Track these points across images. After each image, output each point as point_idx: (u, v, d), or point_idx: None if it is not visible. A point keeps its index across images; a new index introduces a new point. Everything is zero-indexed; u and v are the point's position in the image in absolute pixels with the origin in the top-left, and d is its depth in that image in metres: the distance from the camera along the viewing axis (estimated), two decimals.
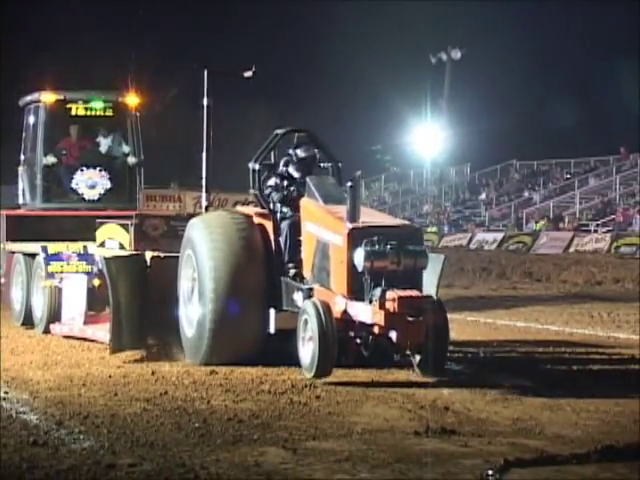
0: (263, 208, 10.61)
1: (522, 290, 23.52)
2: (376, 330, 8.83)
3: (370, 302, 8.86)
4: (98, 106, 14.97)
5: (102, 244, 13.05)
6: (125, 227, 12.56)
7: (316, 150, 10.75)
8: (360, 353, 9.24)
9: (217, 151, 13.22)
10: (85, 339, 12.10)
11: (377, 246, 8.97)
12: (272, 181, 10.65)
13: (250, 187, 10.70)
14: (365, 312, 8.87)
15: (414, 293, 8.75)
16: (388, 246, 8.97)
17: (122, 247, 12.49)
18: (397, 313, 8.60)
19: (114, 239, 12.77)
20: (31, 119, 15.27)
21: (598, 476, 6.02)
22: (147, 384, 9.01)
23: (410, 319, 8.61)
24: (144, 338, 10.91)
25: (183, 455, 6.28)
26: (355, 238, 9.08)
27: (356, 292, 9.08)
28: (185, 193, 13.53)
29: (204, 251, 10.10)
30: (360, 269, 8.99)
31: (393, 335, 8.69)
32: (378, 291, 8.80)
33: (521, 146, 47.96)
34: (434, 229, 42.97)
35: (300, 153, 10.58)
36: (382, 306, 8.67)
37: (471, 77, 48.34)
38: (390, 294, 8.68)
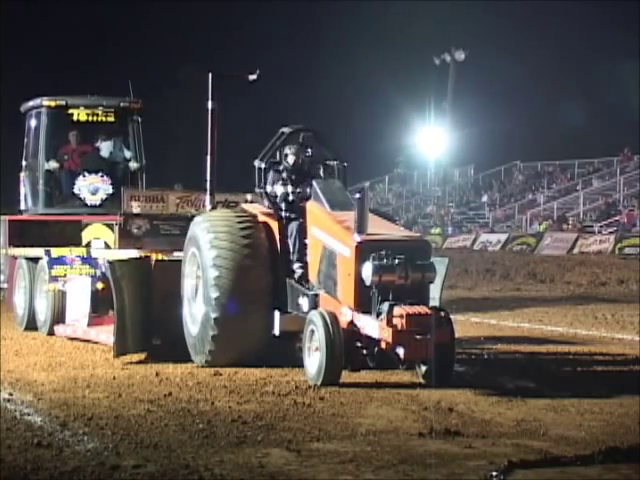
0: (268, 207, 10.61)
1: (526, 291, 23.52)
2: (383, 345, 8.82)
3: (377, 316, 8.85)
4: (100, 111, 15.04)
5: (88, 244, 13.41)
6: (110, 227, 13.05)
7: (308, 152, 10.73)
8: (365, 361, 9.23)
9: (221, 153, 13.24)
10: (89, 341, 12.12)
11: (385, 260, 8.96)
12: (278, 180, 10.62)
13: (255, 186, 10.70)
14: (372, 327, 8.86)
15: (422, 310, 8.72)
16: (396, 260, 8.95)
17: (107, 246, 13.09)
18: (405, 330, 8.59)
19: (100, 239, 13.30)
20: (33, 124, 15.31)
21: (602, 477, 6.01)
22: (151, 385, 9.03)
23: (417, 337, 8.60)
24: (148, 341, 10.91)
25: (187, 456, 6.28)
26: (363, 251, 9.08)
27: (363, 305, 9.06)
28: (168, 193, 13.64)
29: (208, 250, 10.09)
30: (368, 283, 8.98)
31: (400, 351, 8.68)
32: (386, 306, 8.79)
33: (525, 147, 47.91)
34: (438, 230, 42.94)
35: (289, 160, 10.57)
36: (390, 322, 8.66)
37: (475, 78, 48.33)
38: (398, 310, 8.67)
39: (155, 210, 13.44)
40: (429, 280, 9.19)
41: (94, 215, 14.51)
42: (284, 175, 10.62)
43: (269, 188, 10.65)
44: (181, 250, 11.14)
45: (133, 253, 12.04)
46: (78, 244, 13.64)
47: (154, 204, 13.42)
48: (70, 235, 13.89)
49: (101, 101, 15.26)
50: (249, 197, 13.18)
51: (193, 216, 12.71)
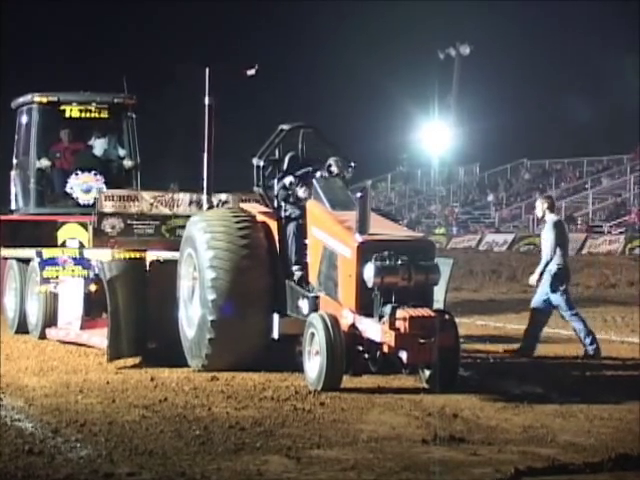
0: (267, 206, 10.60)
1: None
2: (385, 349, 8.80)
3: (380, 319, 8.84)
4: (93, 108, 15.09)
5: (64, 244, 13.81)
6: (85, 226, 13.57)
7: (352, 165, 10.71)
8: (367, 365, 9.23)
9: (219, 151, 13.28)
10: (82, 344, 12.12)
11: (387, 261, 8.94)
12: (287, 181, 10.57)
13: (254, 184, 10.69)
14: (374, 330, 8.85)
15: (426, 312, 8.71)
16: (399, 261, 8.94)
17: (82, 246, 13.58)
18: (408, 333, 8.58)
19: (75, 238, 13.80)
20: (24, 121, 15.30)
21: None
22: (146, 390, 9.03)
23: (421, 340, 8.60)
24: (143, 345, 10.91)
25: (183, 464, 6.28)
26: (365, 252, 9.06)
27: (365, 307, 9.05)
28: (141, 193, 13.80)
29: (205, 250, 10.08)
30: (370, 284, 8.96)
31: (403, 355, 8.67)
32: (388, 308, 8.77)
33: (532, 145, 47.97)
34: (442, 230, 42.99)
35: (333, 170, 10.50)
36: (392, 326, 8.64)
37: (480, 73, 48.35)
38: (401, 313, 8.66)
39: (129, 209, 13.63)
40: (433, 282, 9.19)
41: (88, 215, 14.53)
42: (291, 179, 10.56)
43: (285, 180, 10.56)
44: (153, 249, 11.30)
45: (128, 253, 12.09)
46: (54, 244, 13.84)
47: (128, 203, 13.60)
48: (46, 235, 14.04)
49: (94, 97, 15.26)
50: (224, 197, 13.25)
51: (167, 216, 13.15)
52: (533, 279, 11.94)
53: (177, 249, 11.21)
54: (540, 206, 12.10)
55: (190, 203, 13.61)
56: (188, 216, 13.03)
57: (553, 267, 11.72)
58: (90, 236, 13.57)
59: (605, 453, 6.62)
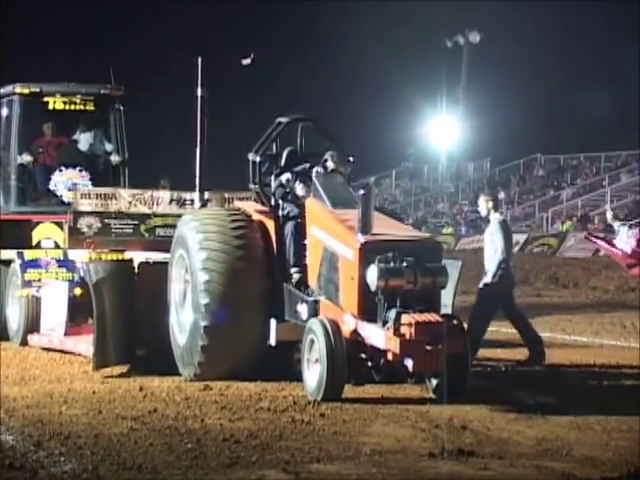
0: (264, 205, 10.60)
1: (547, 297, 23.53)
2: (390, 356, 8.81)
3: (384, 325, 8.84)
4: (78, 99, 15.09)
5: (38, 244, 13.96)
6: (61, 225, 13.76)
7: (350, 160, 10.71)
8: (370, 374, 9.23)
9: (213, 146, 13.29)
10: (66, 352, 12.13)
11: (392, 263, 8.94)
12: (284, 178, 10.58)
13: (250, 181, 10.68)
14: (378, 336, 8.85)
15: (432, 317, 8.71)
16: (404, 263, 8.94)
17: (57, 246, 13.81)
18: (414, 340, 8.58)
19: (50, 238, 13.99)
20: (4, 114, 15.28)
21: None
22: (134, 401, 9.04)
23: (428, 347, 8.60)
24: (131, 352, 10.91)
25: (174, 478, 6.29)
26: (367, 253, 9.06)
27: (368, 312, 9.05)
28: (119, 191, 13.86)
29: (197, 251, 10.09)
30: (373, 288, 8.96)
31: (409, 363, 8.67)
32: (393, 313, 8.77)
33: (546, 139, 47.93)
34: (450, 230, 43.02)
35: (328, 165, 10.50)
36: (397, 332, 8.64)
37: (491, 63, 48.30)
38: (406, 318, 8.66)
39: (106, 208, 13.69)
40: (440, 285, 9.19)
41: None
42: (289, 175, 10.56)
43: (283, 177, 10.57)
44: (132, 250, 11.35)
45: (115, 255, 12.11)
46: (29, 245, 13.89)
47: (105, 202, 13.66)
48: (22, 235, 14.07)
49: (79, 88, 15.26)
50: (205, 195, 13.28)
51: (146, 215, 13.21)
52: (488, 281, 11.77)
53: (156, 249, 11.26)
54: (484, 204, 12.13)
55: (170, 201, 13.67)
56: (168, 215, 13.16)
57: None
58: (66, 236, 13.70)
59: (624, 468, 6.63)
